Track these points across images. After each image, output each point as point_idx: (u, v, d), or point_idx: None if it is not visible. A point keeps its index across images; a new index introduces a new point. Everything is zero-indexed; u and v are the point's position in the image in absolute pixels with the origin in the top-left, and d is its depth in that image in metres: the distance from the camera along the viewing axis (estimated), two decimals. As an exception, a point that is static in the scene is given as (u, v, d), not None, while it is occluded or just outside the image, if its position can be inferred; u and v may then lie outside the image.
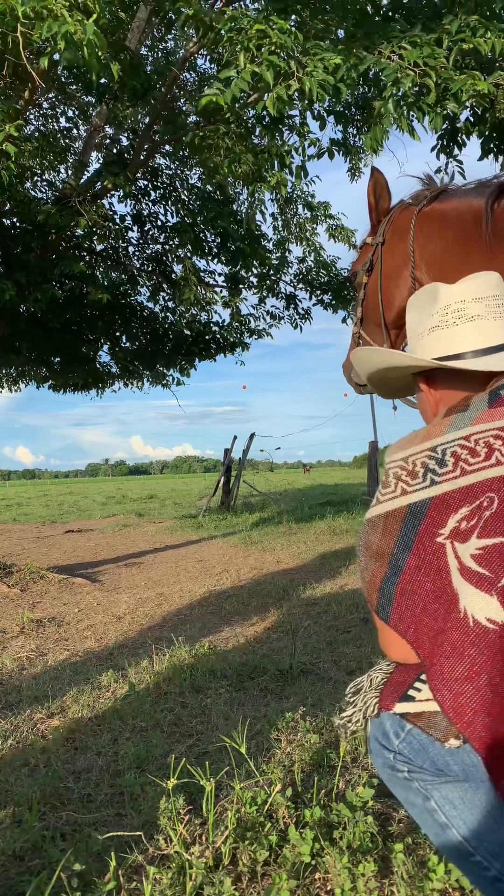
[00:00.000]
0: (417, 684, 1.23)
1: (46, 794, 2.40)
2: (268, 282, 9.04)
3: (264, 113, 3.81)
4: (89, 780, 2.54)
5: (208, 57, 7.01)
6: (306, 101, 3.81)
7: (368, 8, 4.84)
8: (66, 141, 8.30)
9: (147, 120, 6.87)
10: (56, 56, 3.38)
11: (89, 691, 3.53)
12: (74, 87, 7.22)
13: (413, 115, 3.76)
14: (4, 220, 6.66)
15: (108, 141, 7.54)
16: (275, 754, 2.58)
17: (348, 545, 8.74)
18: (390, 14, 4.45)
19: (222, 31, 3.75)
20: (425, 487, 1.23)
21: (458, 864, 1.28)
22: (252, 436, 16.17)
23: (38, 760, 2.72)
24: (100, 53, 3.10)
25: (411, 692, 1.23)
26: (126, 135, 7.59)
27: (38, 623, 5.19)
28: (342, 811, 2.01)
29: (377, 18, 4.41)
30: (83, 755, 2.76)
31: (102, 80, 5.59)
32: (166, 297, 8.76)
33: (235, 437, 16.10)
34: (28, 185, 7.46)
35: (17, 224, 6.71)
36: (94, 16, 3.01)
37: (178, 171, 8.31)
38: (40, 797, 2.36)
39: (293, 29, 3.68)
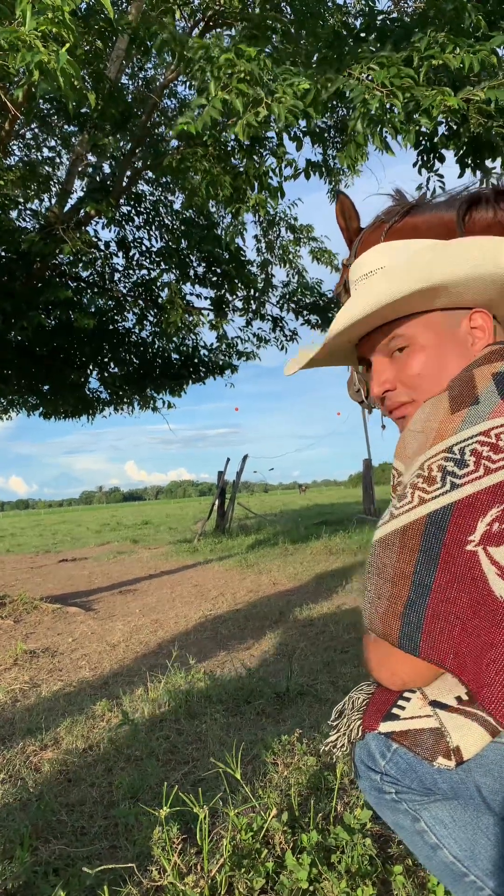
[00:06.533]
0: (401, 702, 1.16)
1: (39, 829, 2.34)
2: (253, 304, 9.09)
3: (234, 137, 3.86)
4: (83, 812, 2.48)
5: (188, 83, 7.10)
6: (282, 124, 3.85)
7: (343, 31, 4.93)
8: (50, 170, 8.39)
9: (129, 146, 6.94)
10: (33, 87, 3.41)
11: (83, 721, 3.47)
12: (56, 117, 7.30)
13: (386, 133, 3.81)
14: (-11, 250, 6.69)
15: (90, 169, 7.62)
16: (271, 779, 2.53)
17: (344, 564, 8.69)
18: (362, 35, 4.52)
19: (193, 59, 3.80)
20: (446, 492, 1.07)
21: (451, 886, 1.23)
22: (245, 458, 16.15)
23: (31, 794, 2.66)
24: (75, 82, 3.14)
25: (395, 710, 1.16)
26: (109, 162, 7.67)
27: (31, 654, 5.12)
28: (340, 834, 1.96)
29: (350, 40, 4.48)
30: (77, 787, 2.71)
31: (83, 110, 5.66)
32: (153, 322, 8.80)
33: (228, 460, 16.09)
34: (13, 214, 7.52)
35: (2, 253, 6.74)
36: (67, 45, 3.05)
37: (162, 197, 8.39)
38: (32, 831, 2.30)
39: (263, 56, 3.72)
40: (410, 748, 1.12)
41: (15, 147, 7.94)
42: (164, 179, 7.72)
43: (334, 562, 9.06)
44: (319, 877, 1.85)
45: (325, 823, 2.14)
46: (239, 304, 9.17)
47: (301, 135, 4.43)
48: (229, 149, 5.24)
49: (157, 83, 7.85)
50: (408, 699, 1.15)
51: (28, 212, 8.13)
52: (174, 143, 6.52)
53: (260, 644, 4.96)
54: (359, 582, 7.17)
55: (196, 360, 9.33)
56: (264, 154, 5.20)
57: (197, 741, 3.11)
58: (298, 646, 4.72)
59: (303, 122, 4.10)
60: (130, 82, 8.36)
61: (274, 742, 2.78)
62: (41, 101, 6.56)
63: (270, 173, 5.02)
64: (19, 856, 2.11)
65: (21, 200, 7.81)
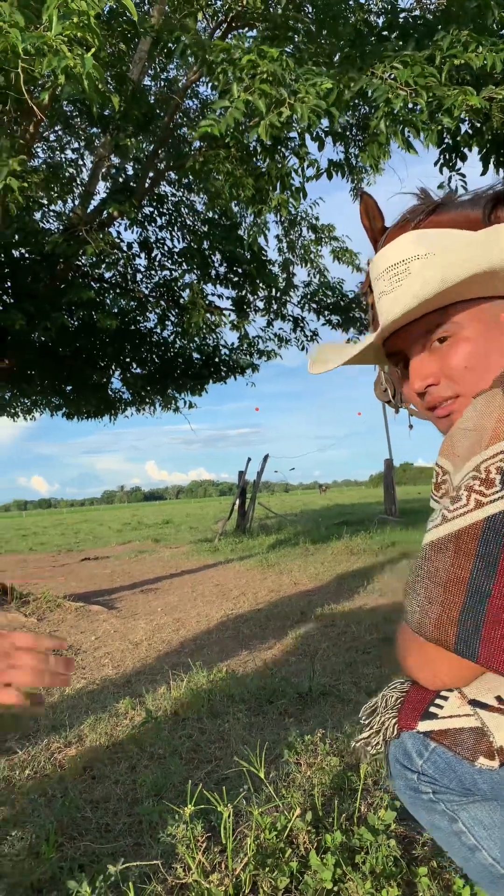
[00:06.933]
0: (438, 701, 1.15)
1: (64, 825, 2.37)
2: (274, 304, 9.10)
3: (256, 138, 3.87)
4: (107, 809, 2.50)
5: (210, 85, 7.13)
6: (305, 124, 3.85)
7: (365, 30, 4.91)
8: (73, 171, 8.46)
9: (151, 148, 6.98)
10: (58, 90, 3.45)
11: (107, 719, 3.49)
12: (79, 119, 7.36)
13: (409, 132, 3.80)
14: (13, 251, 6.75)
15: (113, 170, 7.67)
16: (294, 778, 2.53)
17: (366, 564, 8.67)
18: (384, 34, 4.50)
19: (215, 62, 3.82)
20: None
21: (490, 889, 1.20)
22: (266, 457, 16.16)
23: (56, 791, 2.69)
24: (99, 85, 3.16)
25: (433, 709, 1.15)
26: (131, 163, 7.72)
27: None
28: (364, 835, 1.96)
29: (372, 38, 4.47)
30: (101, 784, 2.73)
31: (106, 112, 5.70)
32: (174, 322, 8.84)
33: (249, 460, 16.10)
34: (37, 216, 7.60)
35: (26, 255, 6.80)
36: (93, 49, 3.08)
37: (184, 198, 8.42)
38: (57, 828, 2.32)
39: (285, 57, 3.72)
40: (450, 747, 1.11)
41: (39, 149, 8.02)
42: (186, 180, 7.75)
43: (355, 562, 9.04)
44: (344, 877, 1.85)
45: (349, 824, 2.14)
46: (260, 304, 9.19)
47: (323, 135, 4.43)
48: (251, 149, 5.25)
49: (180, 84, 7.88)
50: (445, 698, 1.14)
51: (52, 213, 8.21)
52: (196, 144, 6.54)
53: (282, 644, 4.96)
54: (381, 583, 7.15)
55: (217, 360, 9.35)
56: (286, 154, 5.20)
57: (220, 740, 3.12)
58: (320, 646, 4.72)
59: (325, 122, 4.09)
60: (153, 84, 8.40)
61: (297, 742, 2.79)
62: (64, 103, 6.62)
63: (293, 174, 5.03)
64: (45, 851, 2.14)
65: (45, 202, 7.88)
